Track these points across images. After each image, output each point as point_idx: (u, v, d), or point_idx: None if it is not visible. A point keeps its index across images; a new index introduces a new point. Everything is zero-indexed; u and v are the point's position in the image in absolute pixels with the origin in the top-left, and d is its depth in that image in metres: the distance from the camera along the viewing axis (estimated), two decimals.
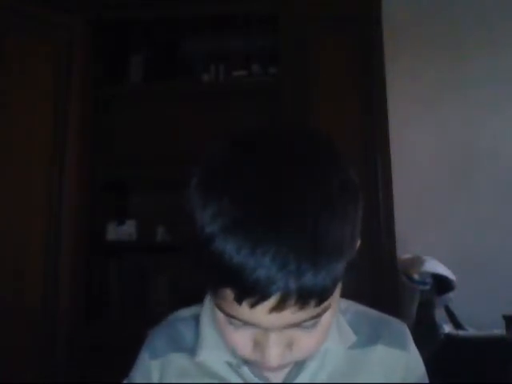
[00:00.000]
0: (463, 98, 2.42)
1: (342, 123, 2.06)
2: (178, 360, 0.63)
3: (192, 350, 0.63)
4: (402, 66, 2.39)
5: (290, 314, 0.46)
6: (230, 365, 0.60)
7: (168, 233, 2.31)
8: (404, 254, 2.10)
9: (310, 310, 0.46)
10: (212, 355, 0.61)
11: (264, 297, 0.44)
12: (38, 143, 2.07)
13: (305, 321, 0.48)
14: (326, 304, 0.48)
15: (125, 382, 0.67)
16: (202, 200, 0.47)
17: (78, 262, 2.09)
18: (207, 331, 0.62)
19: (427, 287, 1.96)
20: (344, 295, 0.69)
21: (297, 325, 0.48)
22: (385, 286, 1.94)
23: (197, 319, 0.65)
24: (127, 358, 0.70)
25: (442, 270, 1.96)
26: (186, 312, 0.69)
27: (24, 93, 2.06)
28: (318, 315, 0.49)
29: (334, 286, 0.47)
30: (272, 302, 0.44)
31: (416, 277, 1.94)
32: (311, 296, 0.45)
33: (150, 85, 2.41)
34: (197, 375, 0.62)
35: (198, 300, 0.68)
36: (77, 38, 2.18)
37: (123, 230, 2.29)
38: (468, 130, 2.40)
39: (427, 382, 0.66)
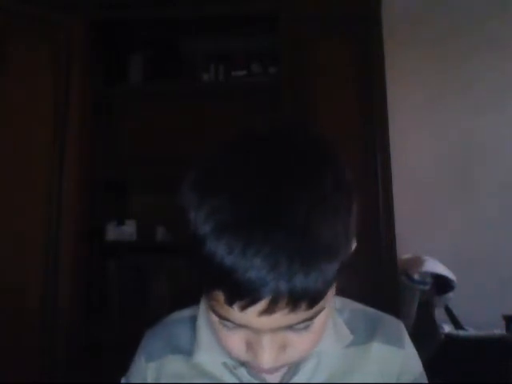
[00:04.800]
0: (463, 98, 2.42)
1: (342, 123, 2.06)
2: (174, 362, 0.63)
3: (188, 352, 0.62)
4: (401, 66, 2.39)
5: (280, 317, 0.45)
6: (226, 366, 0.60)
7: (168, 233, 2.31)
8: (404, 254, 2.10)
9: (302, 313, 0.46)
10: (209, 357, 0.61)
11: (255, 299, 0.44)
12: (38, 143, 2.07)
13: (296, 323, 0.48)
14: (317, 307, 0.47)
15: (122, 381, 0.67)
16: (196, 201, 0.47)
17: (77, 262, 2.09)
18: (203, 333, 0.62)
19: (427, 287, 1.96)
20: (344, 295, 0.69)
21: (289, 327, 0.48)
22: (385, 286, 1.94)
23: (193, 321, 0.65)
24: (127, 357, 0.70)
25: (441, 270, 1.96)
26: (181, 313, 0.68)
27: (24, 93, 2.07)
28: (310, 318, 0.48)
29: (326, 288, 0.46)
30: (262, 304, 0.44)
31: (416, 277, 1.94)
32: (302, 298, 0.44)
33: (150, 85, 2.41)
34: (193, 377, 0.61)
35: (197, 300, 0.68)
36: (77, 38, 2.17)
37: (123, 230, 2.30)
38: (468, 130, 2.40)
39: (425, 379, 0.66)
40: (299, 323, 0.48)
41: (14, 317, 1.93)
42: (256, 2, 2.21)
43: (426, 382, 0.66)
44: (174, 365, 0.63)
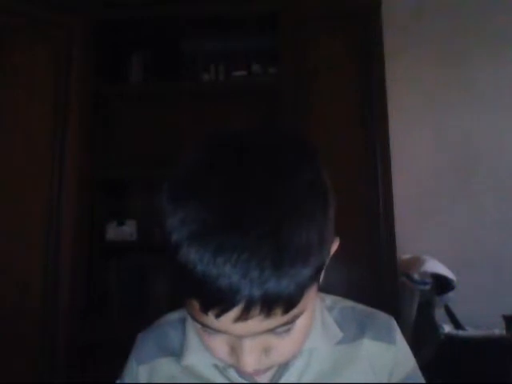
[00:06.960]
0: (463, 98, 2.42)
1: (342, 123, 2.06)
2: (166, 365, 0.63)
3: (179, 354, 0.62)
4: (401, 66, 2.39)
5: (257, 323, 0.45)
6: (217, 367, 0.60)
7: None
8: (404, 254, 2.10)
9: (278, 318, 0.46)
10: (199, 358, 0.61)
11: (227, 307, 0.43)
12: (38, 143, 2.07)
13: (275, 328, 0.47)
14: (295, 311, 0.47)
15: (118, 381, 0.68)
16: (171, 206, 0.47)
17: (77, 261, 2.09)
18: (193, 335, 0.61)
19: (427, 287, 1.95)
20: (343, 294, 0.68)
21: (268, 332, 0.48)
22: (385, 286, 1.94)
23: (184, 322, 0.65)
24: (127, 357, 0.70)
25: (441, 269, 1.96)
26: (174, 315, 0.68)
27: (24, 93, 2.07)
28: (288, 322, 0.48)
29: (300, 293, 0.45)
30: (236, 311, 0.43)
31: (416, 277, 1.94)
32: (276, 304, 0.44)
33: (150, 85, 2.41)
34: (184, 379, 0.61)
35: None
36: (77, 38, 2.18)
37: (123, 230, 2.29)
38: (468, 130, 2.40)
39: (419, 374, 0.65)
40: (278, 327, 0.47)
41: (14, 316, 1.93)
42: (256, 2, 2.22)
43: (420, 376, 0.66)
44: (165, 367, 0.63)
